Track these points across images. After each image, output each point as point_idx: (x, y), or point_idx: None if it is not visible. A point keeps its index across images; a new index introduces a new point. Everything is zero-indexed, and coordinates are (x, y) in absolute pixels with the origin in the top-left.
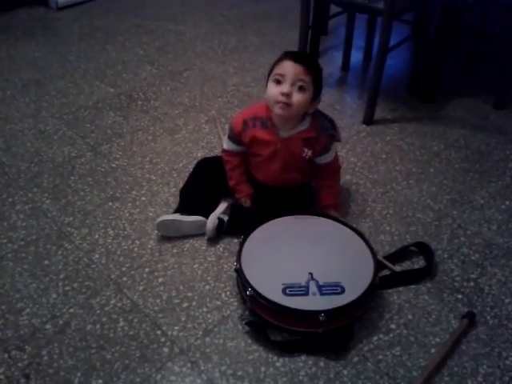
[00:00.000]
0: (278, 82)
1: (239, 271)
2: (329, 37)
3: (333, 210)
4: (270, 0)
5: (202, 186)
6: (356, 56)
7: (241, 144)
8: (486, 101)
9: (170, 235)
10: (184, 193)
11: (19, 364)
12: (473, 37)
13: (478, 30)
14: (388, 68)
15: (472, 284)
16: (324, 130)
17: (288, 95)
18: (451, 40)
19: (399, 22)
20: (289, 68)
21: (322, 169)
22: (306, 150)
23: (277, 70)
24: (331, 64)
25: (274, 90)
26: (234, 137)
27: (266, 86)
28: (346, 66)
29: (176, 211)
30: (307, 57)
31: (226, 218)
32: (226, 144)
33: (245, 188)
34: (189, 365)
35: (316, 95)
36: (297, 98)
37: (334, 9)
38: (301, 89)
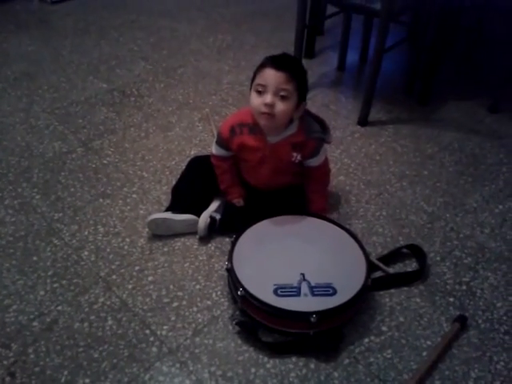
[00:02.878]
0: (260, 93)
1: (230, 271)
2: (325, 37)
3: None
4: None
5: (195, 185)
6: (352, 57)
7: (229, 150)
8: (481, 104)
9: (160, 234)
10: (176, 191)
11: (4, 362)
12: (469, 40)
13: (474, 34)
14: (384, 69)
15: (464, 287)
16: (312, 133)
17: (271, 106)
18: (447, 43)
19: (395, 24)
20: (270, 77)
21: (311, 171)
22: (294, 154)
23: (258, 80)
24: (327, 64)
25: (256, 101)
26: (221, 143)
27: (250, 92)
28: (341, 66)
29: (167, 209)
30: (289, 62)
31: (218, 217)
32: (215, 149)
33: (236, 190)
34: (178, 365)
35: (301, 100)
36: (280, 107)
37: (330, 9)
38: (284, 98)
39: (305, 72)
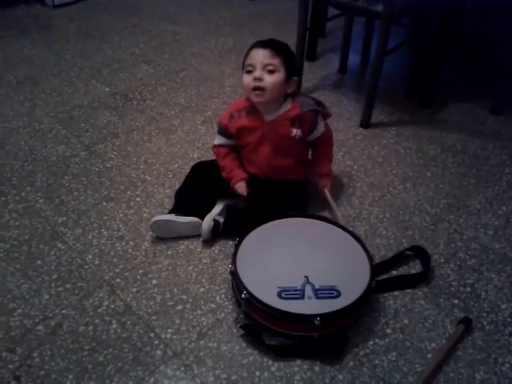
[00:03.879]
0: (250, 72)
1: (234, 274)
2: (326, 39)
3: (325, 178)
4: (268, 1)
5: (198, 188)
6: (353, 59)
7: (230, 137)
8: (483, 106)
9: (163, 236)
10: (179, 194)
11: (10, 366)
12: (470, 42)
13: (475, 35)
14: (385, 71)
15: (468, 289)
16: (307, 107)
17: (260, 79)
18: (449, 44)
19: (397, 26)
20: (257, 55)
21: (316, 142)
22: (294, 130)
23: (247, 61)
24: (328, 67)
25: (247, 79)
26: (222, 131)
27: (242, 66)
28: (343, 68)
29: (171, 212)
30: (274, 41)
31: (221, 220)
32: (217, 139)
33: (238, 173)
34: (182, 368)
35: (290, 75)
36: (268, 80)
37: (331, 11)
38: (271, 72)
39: (291, 52)
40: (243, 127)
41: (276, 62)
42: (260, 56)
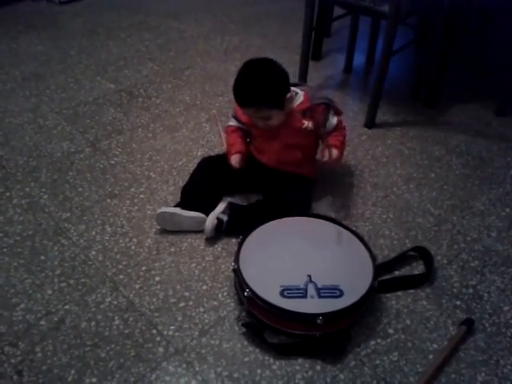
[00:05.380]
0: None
1: (237, 272)
2: (332, 39)
3: (335, 149)
4: (274, 0)
5: (204, 184)
6: (359, 59)
7: (242, 123)
8: (488, 107)
9: (167, 228)
10: (185, 189)
11: (12, 360)
12: (476, 43)
13: (481, 36)
14: (391, 72)
15: (471, 291)
16: (317, 99)
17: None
18: (455, 45)
19: (403, 26)
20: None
21: (329, 133)
22: (305, 121)
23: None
24: (334, 66)
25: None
26: (235, 116)
27: None
28: (348, 68)
29: (177, 206)
30: (249, 93)
31: (225, 218)
32: (230, 121)
33: (237, 147)
34: (184, 365)
35: (281, 104)
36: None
37: (337, 11)
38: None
39: (271, 82)
40: None
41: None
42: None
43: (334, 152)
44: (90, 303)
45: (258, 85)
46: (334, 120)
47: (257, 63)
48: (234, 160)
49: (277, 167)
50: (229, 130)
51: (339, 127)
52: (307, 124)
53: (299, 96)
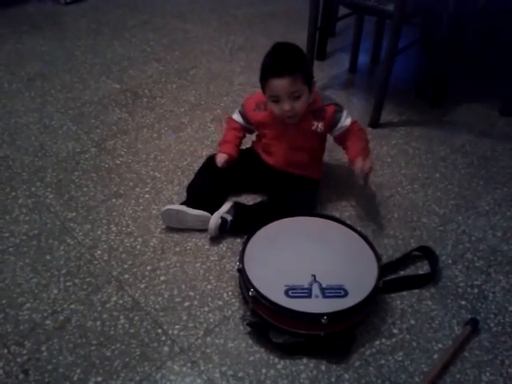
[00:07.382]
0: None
1: (242, 271)
2: (336, 38)
3: (358, 158)
4: (279, 0)
5: (210, 183)
6: (363, 58)
7: (246, 122)
8: (494, 107)
9: (172, 225)
10: (191, 188)
11: (18, 359)
12: (481, 42)
13: (486, 36)
14: (395, 71)
15: (476, 290)
16: (328, 100)
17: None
18: (460, 45)
19: (407, 25)
20: (278, 87)
21: (345, 135)
22: (315, 123)
23: (269, 92)
24: (338, 66)
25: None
26: (243, 114)
27: (262, 90)
28: (353, 68)
29: (182, 204)
30: (286, 61)
31: (229, 218)
32: (235, 114)
33: (229, 147)
34: (189, 364)
35: (310, 82)
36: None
37: (342, 10)
38: (298, 97)
39: (303, 56)
40: (265, 121)
41: (299, 85)
42: (283, 87)
43: (359, 163)
44: (95, 302)
45: (294, 53)
46: (346, 121)
47: (286, 42)
48: (221, 159)
49: (283, 169)
50: (231, 123)
51: (354, 129)
52: (317, 125)
53: (311, 96)
